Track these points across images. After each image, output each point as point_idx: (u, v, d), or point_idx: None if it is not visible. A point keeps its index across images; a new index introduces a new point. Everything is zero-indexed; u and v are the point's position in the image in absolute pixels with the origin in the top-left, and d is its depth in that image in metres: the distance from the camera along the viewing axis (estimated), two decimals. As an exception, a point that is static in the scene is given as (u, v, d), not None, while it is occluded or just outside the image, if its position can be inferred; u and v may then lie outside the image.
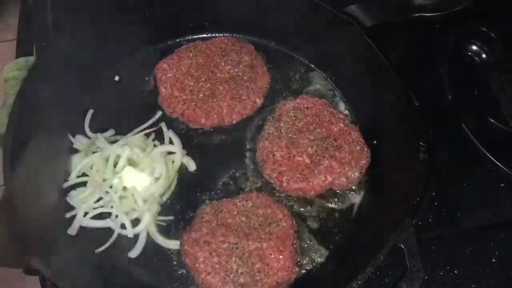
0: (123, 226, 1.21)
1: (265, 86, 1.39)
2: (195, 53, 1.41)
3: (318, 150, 1.28)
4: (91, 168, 1.26)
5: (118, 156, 1.26)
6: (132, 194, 1.22)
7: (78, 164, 1.26)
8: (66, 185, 1.24)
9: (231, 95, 1.35)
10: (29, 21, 1.46)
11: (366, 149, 1.30)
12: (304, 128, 1.32)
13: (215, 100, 1.34)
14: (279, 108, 1.36)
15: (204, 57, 1.40)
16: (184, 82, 1.36)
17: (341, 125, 1.32)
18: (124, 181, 1.23)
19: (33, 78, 1.23)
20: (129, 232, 1.20)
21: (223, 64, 1.40)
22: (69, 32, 1.33)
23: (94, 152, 1.28)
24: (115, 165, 1.26)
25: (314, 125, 1.32)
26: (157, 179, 1.25)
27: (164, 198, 1.26)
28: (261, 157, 1.30)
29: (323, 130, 1.31)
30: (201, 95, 1.35)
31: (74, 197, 1.22)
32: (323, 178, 1.25)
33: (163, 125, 1.33)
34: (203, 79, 1.37)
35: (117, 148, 1.26)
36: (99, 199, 1.23)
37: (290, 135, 1.30)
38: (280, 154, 1.28)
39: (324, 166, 1.26)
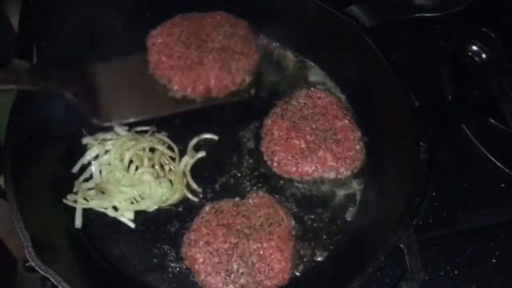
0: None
1: (256, 63, 1.33)
2: (189, 22, 1.35)
3: (316, 140, 1.29)
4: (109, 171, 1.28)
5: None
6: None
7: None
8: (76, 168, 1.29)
9: (220, 65, 1.28)
10: (29, 21, 1.46)
11: (363, 151, 1.30)
12: (309, 116, 1.34)
13: (203, 68, 1.28)
14: (292, 93, 1.39)
15: (198, 26, 1.34)
16: (173, 48, 1.30)
17: (346, 121, 1.33)
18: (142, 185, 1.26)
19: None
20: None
21: (215, 34, 1.33)
22: (69, 33, 1.33)
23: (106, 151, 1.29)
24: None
25: (319, 116, 1.34)
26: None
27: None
28: (262, 134, 1.33)
29: (327, 122, 1.33)
30: (189, 62, 1.29)
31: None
32: (313, 168, 1.27)
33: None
34: (193, 47, 1.31)
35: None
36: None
37: (293, 119, 1.33)
38: (278, 134, 1.30)
39: (317, 156, 1.27)
